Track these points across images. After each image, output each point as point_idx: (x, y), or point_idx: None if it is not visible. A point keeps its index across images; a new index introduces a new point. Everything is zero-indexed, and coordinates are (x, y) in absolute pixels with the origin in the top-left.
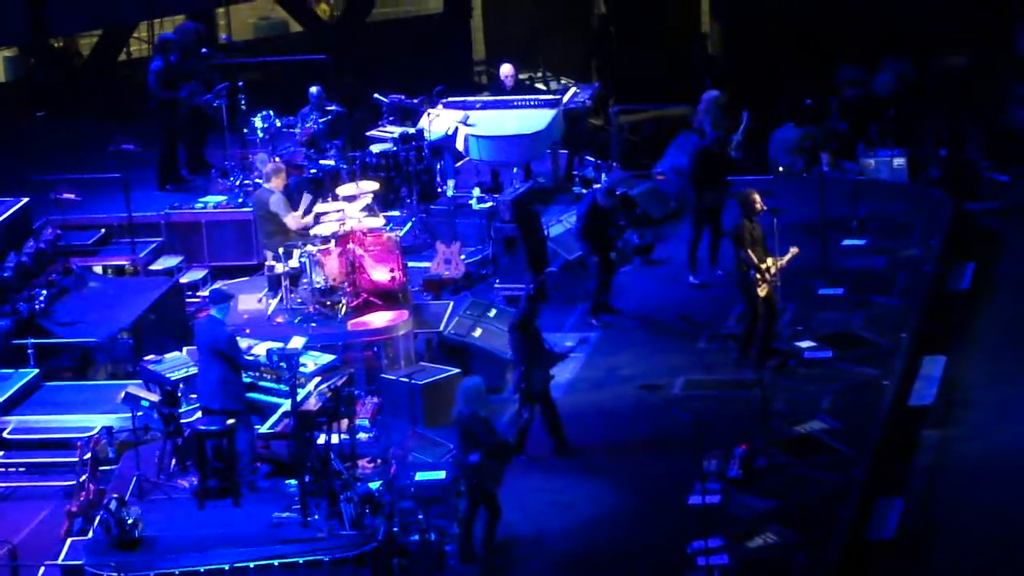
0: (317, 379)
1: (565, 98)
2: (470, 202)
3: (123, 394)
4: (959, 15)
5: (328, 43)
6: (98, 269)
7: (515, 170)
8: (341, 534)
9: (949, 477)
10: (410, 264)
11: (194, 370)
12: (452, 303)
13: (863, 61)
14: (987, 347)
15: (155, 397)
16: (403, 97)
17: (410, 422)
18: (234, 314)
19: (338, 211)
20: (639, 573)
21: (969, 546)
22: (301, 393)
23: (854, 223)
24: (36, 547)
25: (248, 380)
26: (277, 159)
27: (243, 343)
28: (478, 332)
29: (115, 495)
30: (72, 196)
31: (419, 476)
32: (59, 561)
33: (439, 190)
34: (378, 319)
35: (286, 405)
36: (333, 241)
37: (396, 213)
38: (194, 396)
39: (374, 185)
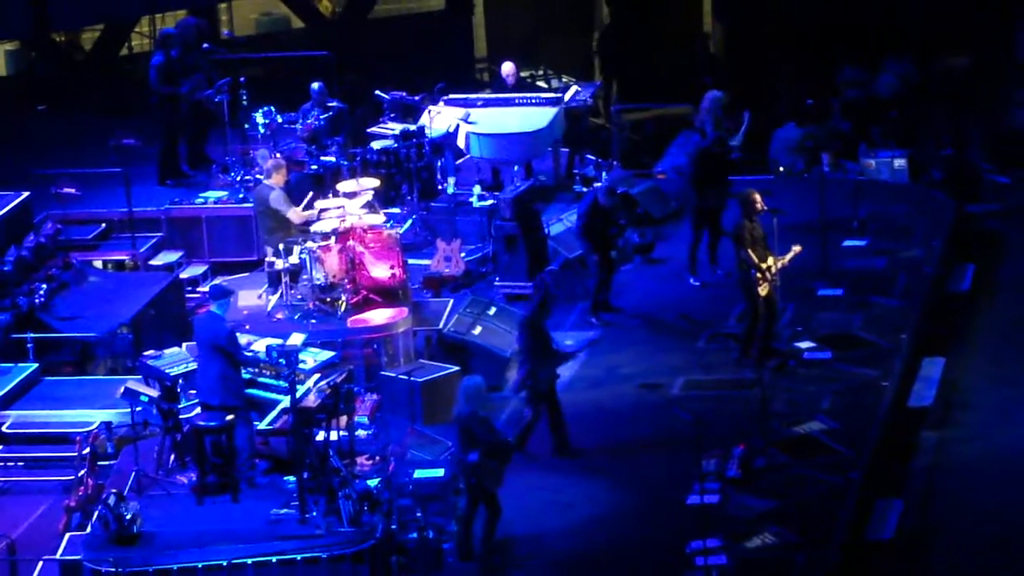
0: (316, 376)
1: (566, 96)
2: (471, 200)
3: (122, 389)
4: (961, 16)
5: (330, 39)
6: (98, 264)
7: (516, 168)
8: (339, 531)
9: (948, 478)
10: (410, 261)
11: (193, 366)
12: (452, 301)
13: (865, 62)
14: (987, 349)
15: (154, 392)
16: (404, 94)
17: (409, 419)
18: (234, 310)
19: (338, 207)
20: (638, 573)
21: (968, 547)
22: (300, 390)
23: (855, 224)
24: (34, 541)
25: (247, 376)
26: (278, 155)
27: (243, 339)
28: (478, 330)
29: (114, 490)
30: (73, 190)
31: (418, 473)
32: (57, 556)
33: (440, 187)
34: (378, 316)
35: (285, 401)
36: (333, 238)
37: (396, 210)
38: (193, 392)
39: (375, 182)
